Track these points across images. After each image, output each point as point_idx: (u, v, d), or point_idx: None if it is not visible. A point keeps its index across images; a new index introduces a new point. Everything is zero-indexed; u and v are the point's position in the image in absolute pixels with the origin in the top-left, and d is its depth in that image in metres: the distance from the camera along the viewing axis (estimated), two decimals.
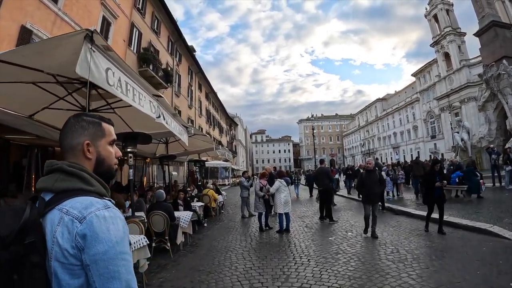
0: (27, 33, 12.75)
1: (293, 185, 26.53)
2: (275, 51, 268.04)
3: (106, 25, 19.61)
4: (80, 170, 1.38)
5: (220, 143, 54.66)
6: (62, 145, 1.48)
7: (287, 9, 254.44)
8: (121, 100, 4.82)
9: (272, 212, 12.37)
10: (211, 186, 18.21)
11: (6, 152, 9.36)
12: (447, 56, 68.87)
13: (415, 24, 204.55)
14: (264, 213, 11.98)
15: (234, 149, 77.53)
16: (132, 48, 23.47)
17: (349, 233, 10.29)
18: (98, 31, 14.79)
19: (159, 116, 5.98)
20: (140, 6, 25.17)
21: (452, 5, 70.35)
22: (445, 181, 9.69)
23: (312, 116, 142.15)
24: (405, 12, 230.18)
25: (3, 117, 6.07)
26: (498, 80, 24.96)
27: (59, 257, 1.19)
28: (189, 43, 37.91)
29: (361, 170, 20.05)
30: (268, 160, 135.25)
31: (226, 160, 55.46)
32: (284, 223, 11.14)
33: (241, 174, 22.43)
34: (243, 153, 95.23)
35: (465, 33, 68.51)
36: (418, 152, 76.34)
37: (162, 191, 9.86)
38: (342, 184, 29.20)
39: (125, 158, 7.15)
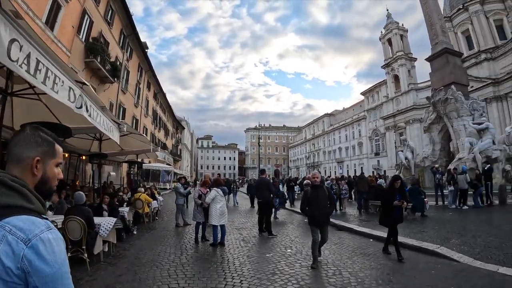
0: None
1: (231, 194, 25.99)
2: (230, 58, 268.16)
3: (56, 7, 17.65)
4: (22, 186, 1.36)
5: (165, 145, 53.24)
6: (10, 152, 1.46)
7: (247, 18, 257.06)
8: None
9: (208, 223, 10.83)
10: (143, 189, 16.17)
11: None
12: (396, 78, 72.47)
13: (368, 47, 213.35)
14: (202, 223, 10.93)
15: (179, 153, 75.50)
16: (80, 36, 21.48)
17: (289, 250, 9.37)
18: (46, 13, 14.06)
19: (81, 107, 5.14)
20: None
21: (407, 31, 74.83)
22: (405, 202, 8.51)
23: (259, 125, 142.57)
24: (361, 34, 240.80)
25: None
26: (445, 104, 26.06)
27: (2, 274, 1.19)
28: (145, 41, 36.62)
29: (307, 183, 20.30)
30: (213, 167, 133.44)
31: (170, 164, 54.17)
32: (219, 235, 10.18)
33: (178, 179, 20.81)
34: (188, 158, 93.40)
35: (416, 58, 72.95)
36: (362, 167, 78.86)
37: (82, 193, 8.60)
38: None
39: None
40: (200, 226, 10.99)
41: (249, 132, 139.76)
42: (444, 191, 19.14)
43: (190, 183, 36.93)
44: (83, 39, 21.93)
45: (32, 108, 7.41)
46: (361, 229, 12.26)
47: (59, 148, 1.56)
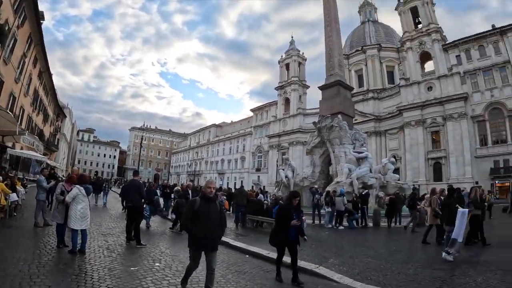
0: None
1: (102, 192, 24.61)
2: (129, 52, 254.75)
3: None
4: None
5: (41, 132, 48.18)
6: None
7: (155, 15, 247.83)
8: None
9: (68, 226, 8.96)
10: (0, 178, 13.86)
11: None
12: (287, 101, 76.97)
13: (266, 68, 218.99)
14: (61, 225, 9.14)
15: (56, 143, 68.09)
16: None
17: (157, 264, 8.32)
18: None
19: None
20: None
21: (305, 60, 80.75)
22: (297, 221, 7.42)
23: (145, 125, 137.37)
24: (262, 55, 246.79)
25: None
26: (330, 131, 27.96)
27: None
28: (43, 11, 33.22)
29: (189, 193, 18.76)
30: (91, 163, 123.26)
31: (46, 154, 49.17)
32: (80, 241, 8.63)
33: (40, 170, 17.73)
34: (65, 149, 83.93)
35: (309, 86, 79.28)
36: (242, 181, 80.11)
37: None
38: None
39: None
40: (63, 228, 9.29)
41: (133, 131, 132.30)
42: (321, 211, 19.97)
43: (61, 177, 32.18)
44: None
45: None
46: (237, 243, 11.65)
47: None
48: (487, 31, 48.05)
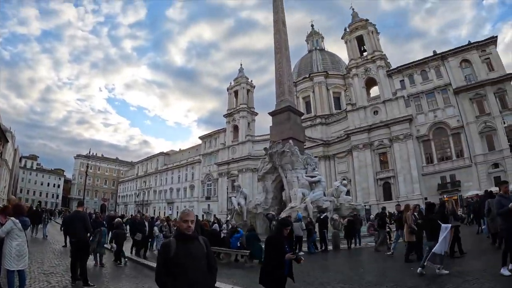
0: None
1: (42, 224, 23.08)
2: (76, 76, 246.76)
3: None
4: None
5: None
6: None
7: (105, 38, 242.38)
8: None
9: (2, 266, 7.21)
10: None
11: None
12: (236, 128, 76.76)
13: (214, 96, 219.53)
14: None
15: None
16: None
17: None
18: None
19: None
20: None
21: (254, 87, 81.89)
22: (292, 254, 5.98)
23: (91, 153, 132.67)
24: (210, 83, 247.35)
25: None
26: (281, 156, 27.58)
27: None
28: None
29: (145, 225, 16.90)
30: (34, 192, 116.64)
31: None
32: (17, 284, 7.19)
33: None
34: (6, 177, 79.71)
35: (257, 113, 79.87)
36: (192, 210, 78.69)
37: None
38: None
39: None
40: None
41: (79, 159, 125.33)
42: None
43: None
44: None
45: None
46: None
47: None
48: (429, 57, 51.83)
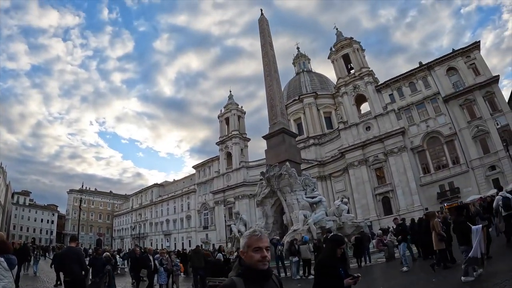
0: None
1: (32, 261, 22.29)
2: (67, 110, 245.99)
3: None
4: None
5: None
6: None
7: (94, 72, 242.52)
8: None
9: None
10: None
11: None
12: (229, 155, 76.36)
13: (205, 125, 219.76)
14: None
15: None
16: None
17: None
18: None
19: None
20: None
21: (245, 113, 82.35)
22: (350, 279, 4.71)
23: (84, 187, 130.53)
24: (200, 112, 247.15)
25: None
26: (279, 179, 27.31)
27: None
28: None
29: (150, 260, 15.08)
30: (28, 228, 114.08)
31: None
32: None
33: None
34: None
35: (250, 139, 79.98)
36: (190, 241, 77.79)
37: None
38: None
39: None
40: None
41: (72, 194, 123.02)
42: (285, 262, 18.68)
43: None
44: None
45: None
46: None
47: None
48: (415, 68, 52.73)
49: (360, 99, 58.27)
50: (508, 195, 12.89)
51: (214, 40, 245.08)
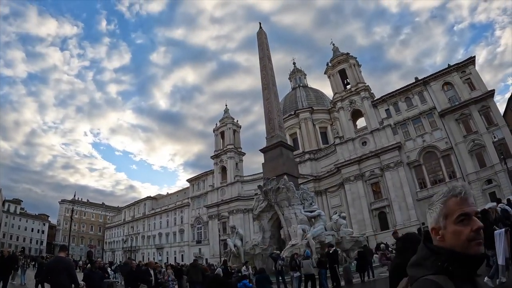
0: None
1: (20, 271, 21.69)
2: (61, 120, 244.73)
3: None
4: None
5: None
6: None
7: (90, 83, 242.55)
8: None
9: None
10: None
11: None
12: (224, 169, 76.15)
13: (199, 139, 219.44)
14: None
15: None
16: None
17: None
18: None
19: None
20: None
21: (240, 127, 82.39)
22: None
23: (76, 198, 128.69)
24: (195, 126, 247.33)
25: None
26: (277, 193, 26.83)
27: None
28: None
29: (150, 275, 14.90)
30: (18, 238, 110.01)
31: None
32: None
33: None
34: None
35: (245, 153, 79.84)
36: (182, 255, 76.92)
37: None
38: None
39: None
40: None
41: (64, 204, 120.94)
42: (285, 277, 18.30)
43: None
44: None
45: None
46: None
47: None
48: (411, 84, 53.17)
49: (356, 114, 58.32)
50: (507, 207, 12.69)
51: (210, 55, 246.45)
